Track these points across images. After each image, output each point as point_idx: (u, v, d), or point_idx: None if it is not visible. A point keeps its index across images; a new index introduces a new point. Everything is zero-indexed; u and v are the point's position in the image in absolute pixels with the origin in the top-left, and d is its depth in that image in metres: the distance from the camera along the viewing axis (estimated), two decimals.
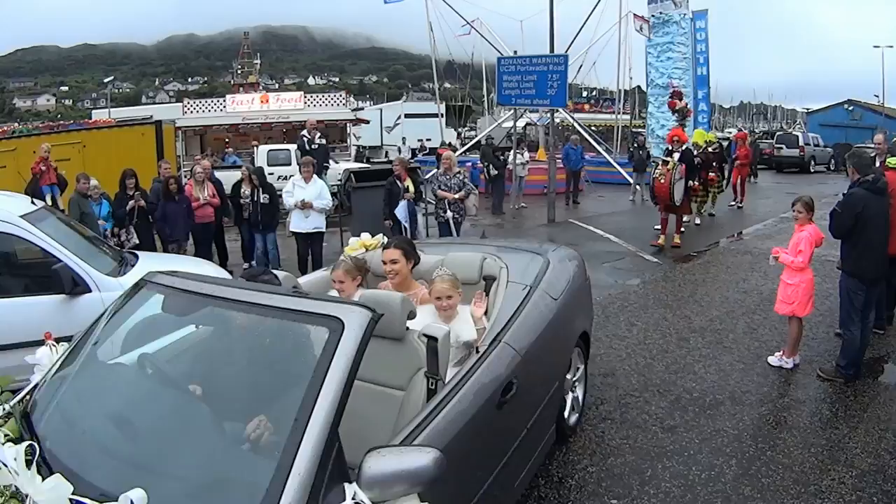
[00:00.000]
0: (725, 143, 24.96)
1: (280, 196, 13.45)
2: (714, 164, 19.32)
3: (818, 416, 6.98)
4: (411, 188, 13.37)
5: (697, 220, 19.00)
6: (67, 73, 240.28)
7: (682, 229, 16.77)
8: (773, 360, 8.30)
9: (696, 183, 17.06)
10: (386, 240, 6.46)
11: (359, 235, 6.94)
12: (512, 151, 24.09)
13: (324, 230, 13.20)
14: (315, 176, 13.28)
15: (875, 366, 8.18)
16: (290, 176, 15.18)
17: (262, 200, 13.14)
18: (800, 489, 5.59)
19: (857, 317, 7.72)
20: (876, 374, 7.93)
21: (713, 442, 6.40)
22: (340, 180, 19.81)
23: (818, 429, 6.69)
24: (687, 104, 21.54)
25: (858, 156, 8.34)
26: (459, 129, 57.39)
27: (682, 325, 10.02)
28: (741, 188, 23.26)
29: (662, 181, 15.32)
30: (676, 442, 6.40)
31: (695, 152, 17.08)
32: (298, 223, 12.86)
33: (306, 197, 12.67)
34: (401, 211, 13.07)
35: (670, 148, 16.30)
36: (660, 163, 16.11)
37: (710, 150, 19.14)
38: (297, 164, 15.03)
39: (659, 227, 16.17)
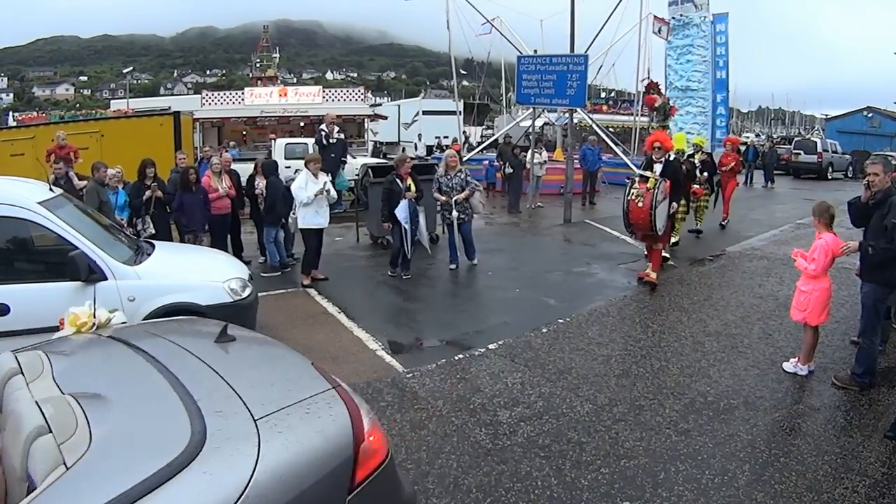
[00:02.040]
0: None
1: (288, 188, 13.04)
2: (704, 174, 17.24)
3: (832, 424, 6.94)
4: (413, 187, 12.93)
5: (675, 238, 15.67)
6: (87, 64, 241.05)
7: (667, 256, 14.09)
8: (788, 366, 8.25)
9: (678, 205, 13.32)
10: (113, 316, 4.82)
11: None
12: (530, 151, 24.06)
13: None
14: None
15: (890, 374, 8.12)
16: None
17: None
18: (813, 497, 5.56)
19: (879, 325, 7.68)
20: (891, 382, 7.87)
21: (727, 446, 6.37)
22: (358, 175, 19.79)
23: (832, 436, 6.64)
24: (668, 100, 19.60)
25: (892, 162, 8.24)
26: (474, 127, 57.15)
27: (697, 328, 9.99)
28: (724, 203, 19.74)
29: (640, 205, 11.95)
30: (690, 445, 6.38)
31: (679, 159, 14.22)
32: (311, 219, 12.44)
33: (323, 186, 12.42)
34: (401, 211, 12.61)
35: (652, 158, 12.67)
36: (636, 179, 12.39)
37: (696, 158, 17.09)
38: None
39: (647, 253, 13.35)
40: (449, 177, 13.35)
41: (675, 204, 12.69)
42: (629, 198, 12.17)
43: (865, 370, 7.70)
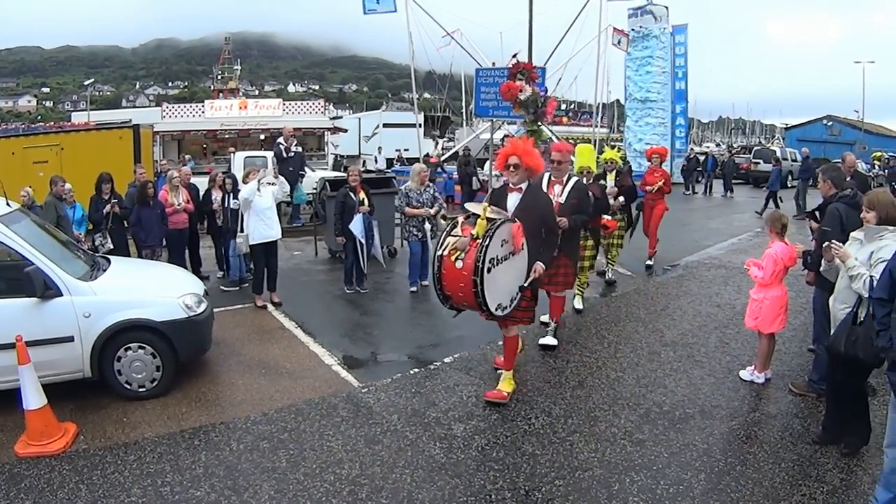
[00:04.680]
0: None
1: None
2: (619, 199, 12.75)
3: (789, 431, 6.96)
4: (367, 201, 12.66)
5: (578, 305, 11.71)
6: (49, 75, 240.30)
7: (547, 337, 9.71)
8: (745, 374, 8.30)
9: (563, 261, 9.10)
10: None
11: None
12: (487, 163, 24.11)
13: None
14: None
15: None
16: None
17: (232, 206, 12.97)
18: None
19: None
20: None
21: (682, 456, 6.37)
22: (316, 189, 19.75)
23: (789, 444, 6.67)
24: (545, 93, 14.41)
25: (836, 170, 8.35)
26: (437, 139, 57.10)
27: (653, 338, 10.00)
28: (649, 233, 15.24)
29: (458, 263, 7.00)
30: (645, 456, 6.37)
31: (570, 185, 9.27)
32: (263, 232, 11.71)
33: (269, 201, 11.83)
34: (356, 226, 12.44)
35: (508, 183, 7.85)
36: (460, 221, 7.46)
37: (609, 179, 12.81)
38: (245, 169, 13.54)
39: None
40: (419, 191, 12.85)
41: (539, 266, 7.50)
42: (441, 252, 7.24)
43: (822, 377, 7.73)
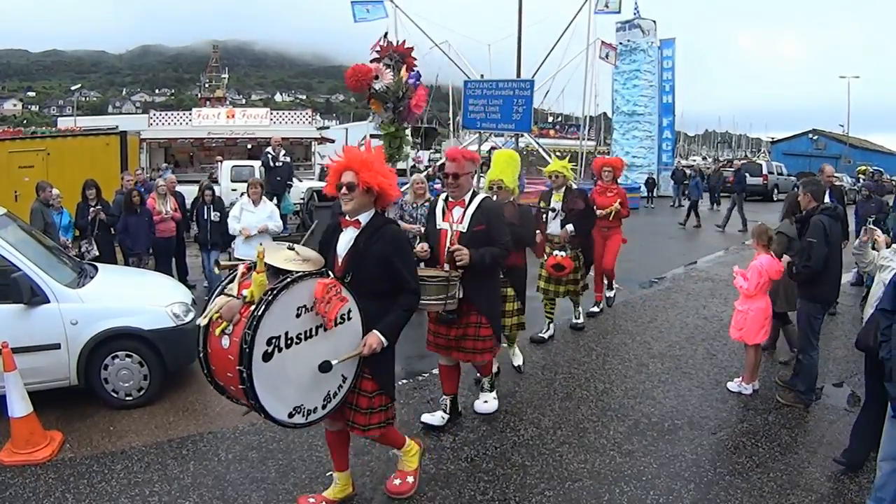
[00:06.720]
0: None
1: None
2: (568, 227, 9.90)
3: (777, 441, 6.97)
4: None
5: (517, 361, 9.04)
6: (35, 79, 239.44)
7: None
8: (732, 385, 8.32)
9: (472, 317, 6.71)
10: None
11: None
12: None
13: None
14: (265, 198, 12.31)
15: (835, 391, 8.27)
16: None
17: (212, 218, 12.94)
18: None
19: (815, 341, 7.78)
20: (836, 398, 7.99)
21: (671, 466, 6.37)
22: (303, 199, 19.70)
23: (777, 453, 6.68)
24: (414, 81, 11.44)
25: (816, 184, 8.44)
26: (419, 151, 56.93)
27: (641, 350, 9.99)
28: (607, 273, 12.02)
29: (224, 340, 4.42)
30: (634, 466, 6.36)
31: (475, 206, 6.66)
32: (247, 250, 11.26)
33: (256, 222, 11.57)
34: None
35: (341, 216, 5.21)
36: (241, 271, 4.77)
37: (554, 200, 10.20)
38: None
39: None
40: (415, 206, 11.82)
41: (373, 338, 4.87)
42: (202, 321, 4.61)
43: (808, 387, 7.80)
